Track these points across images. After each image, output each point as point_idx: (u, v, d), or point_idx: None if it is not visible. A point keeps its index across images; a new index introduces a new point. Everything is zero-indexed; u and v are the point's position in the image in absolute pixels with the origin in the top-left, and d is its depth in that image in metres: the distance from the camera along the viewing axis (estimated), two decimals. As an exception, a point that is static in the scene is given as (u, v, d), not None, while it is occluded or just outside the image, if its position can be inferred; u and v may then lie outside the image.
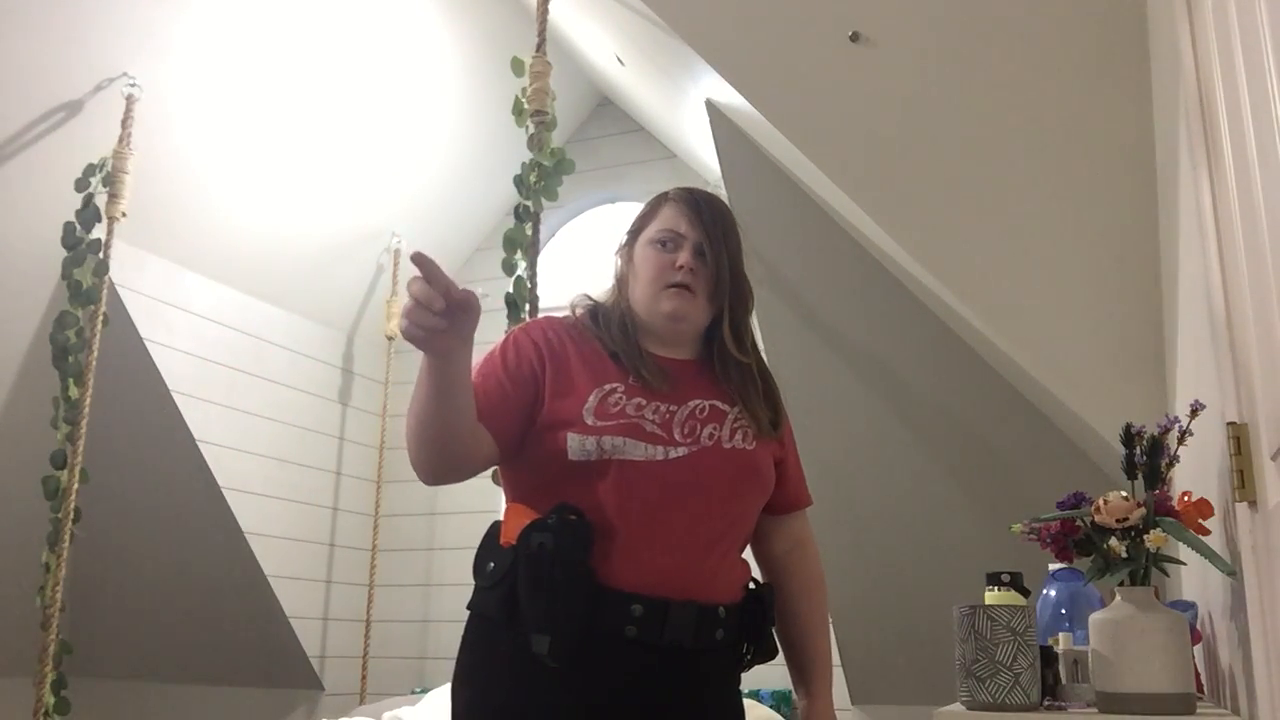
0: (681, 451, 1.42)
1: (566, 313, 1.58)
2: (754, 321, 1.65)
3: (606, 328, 1.52)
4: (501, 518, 1.43)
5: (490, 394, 1.42)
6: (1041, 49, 2.42)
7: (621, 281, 1.58)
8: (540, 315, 1.58)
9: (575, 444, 1.39)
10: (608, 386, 1.44)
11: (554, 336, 1.50)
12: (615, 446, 1.39)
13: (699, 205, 1.55)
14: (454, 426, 1.33)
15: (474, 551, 1.43)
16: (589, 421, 1.41)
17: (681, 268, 1.50)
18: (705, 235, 1.53)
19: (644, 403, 1.44)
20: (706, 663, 1.42)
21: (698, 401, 1.48)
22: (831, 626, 3.74)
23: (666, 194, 1.59)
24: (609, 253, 1.64)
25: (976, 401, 3.27)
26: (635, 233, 1.59)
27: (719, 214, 1.57)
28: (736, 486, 1.47)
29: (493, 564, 1.39)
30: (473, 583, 1.44)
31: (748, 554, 1.55)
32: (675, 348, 1.54)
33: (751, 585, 1.49)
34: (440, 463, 1.37)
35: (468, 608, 1.45)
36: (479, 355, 1.37)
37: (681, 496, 1.41)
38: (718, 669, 1.45)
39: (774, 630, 1.53)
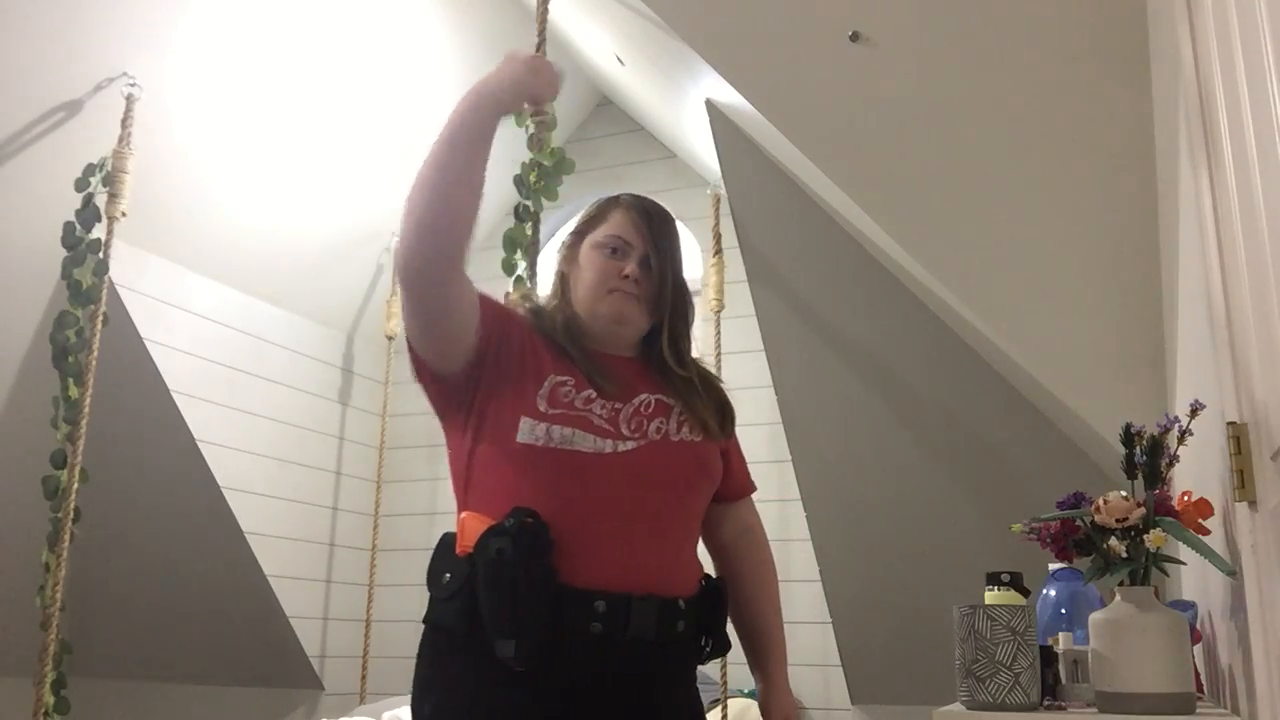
0: (630, 445, 1.43)
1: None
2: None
3: (551, 327, 1.53)
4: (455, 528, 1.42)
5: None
6: (1041, 49, 2.43)
7: (563, 280, 1.59)
8: None
9: (526, 427, 1.40)
10: (558, 378, 1.45)
11: (518, 322, 1.52)
12: (564, 437, 1.40)
13: (649, 216, 1.56)
14: (474, 179, 1.41)
15: None
16: (541, 408, 1.41)
17: (627, 276, 1.51)
18: (653, 247, 1.54)
19: (593, 396, 1.44)
20: (669, 656, 1.43)
21: (643, 397, 1.49)
22: (831, 626, 3.78)
23: (617, 198, 1.60)
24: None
25: (976, 401, 3.28)
26: (580, 234, 1.59)
27: (666, 227, 1.58)
28: (688, 479, 1.48)
29: (449, 574, 1.38)
30: None
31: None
32: (616, 348, 1.55)
33: (705, 579, 1.50)
34: (443, 223, 1.40)
35: (423, 621, 1.43)
36: None
37: (635, 490, 1.41)
38: (679, 662, 1.46)
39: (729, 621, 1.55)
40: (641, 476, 1.42)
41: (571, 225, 1.64)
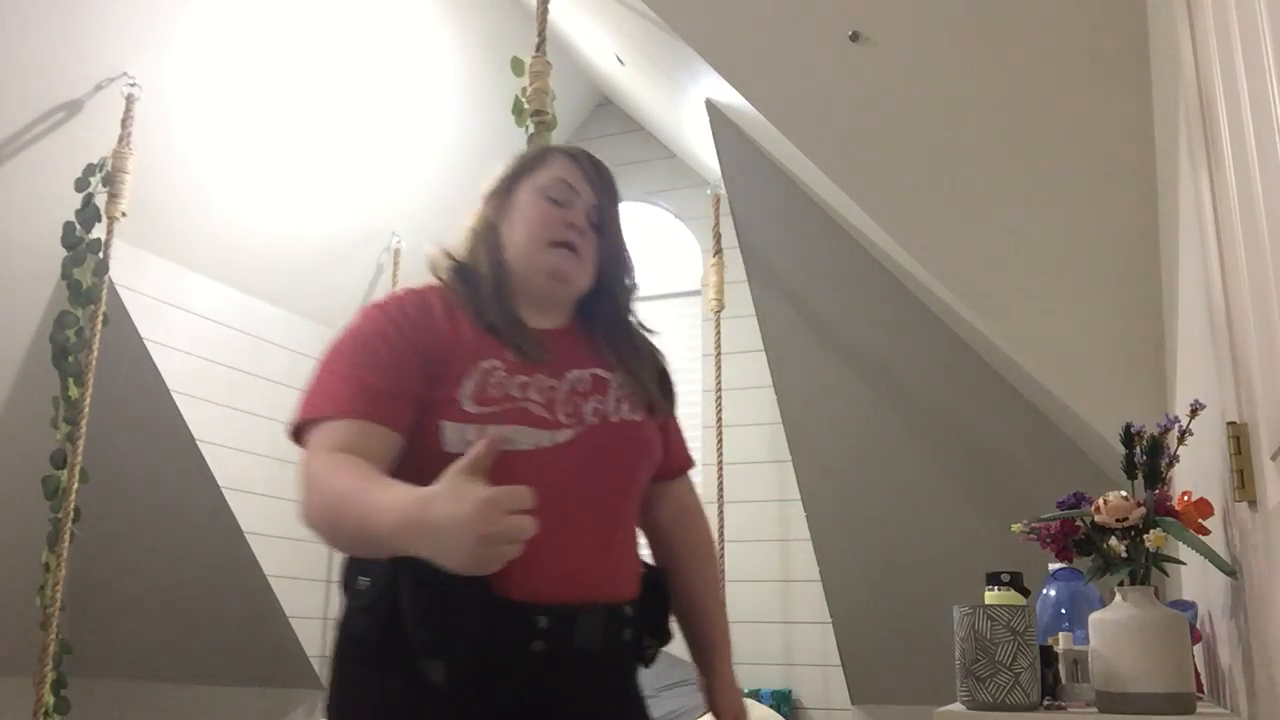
0: (567, 435, 1.26)
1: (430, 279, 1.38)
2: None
3: (478, 290, 1.32)
4: None
5: (385, 410, 1.22)
6: (1042, 49, 2.43)
7: (489, 230, 1.37)
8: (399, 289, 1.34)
9: (451, 433, 1.21)
10: (485, 365, 1.25)
11: (415, 314, 1.28)
12: (503, 438, 1.16)
13: (597, 168, 1.42)
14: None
15: None
16: (467, 408, 1.22)
17: (573, 226, 1.35)
18: (599, 198, 1.39)
19: (527, 380, 1.26)
20: (614, 665, 1.29)
21: (577, 373, 1.31)
22: (831, 626, 3.78)
23: (555, 147, 1.44)
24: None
25: (976, 401, 3.27)
26: (514, 178, 1.40)
27: (613, 184, 1.43)
28: (627, 465, 1.32)
29: (367, 579, 1.19)
30: None
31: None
32: (548, 314, 1.37)
33: (644, 572, 1.34)
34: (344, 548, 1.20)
35: (337, 628, 1.26)
36: None
37: (574, 486, 1.25)
38: (624, 668, 1.32)
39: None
40: (581, 469, 1.26)
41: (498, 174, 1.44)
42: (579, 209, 1.37)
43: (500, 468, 1.09)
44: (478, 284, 1.33)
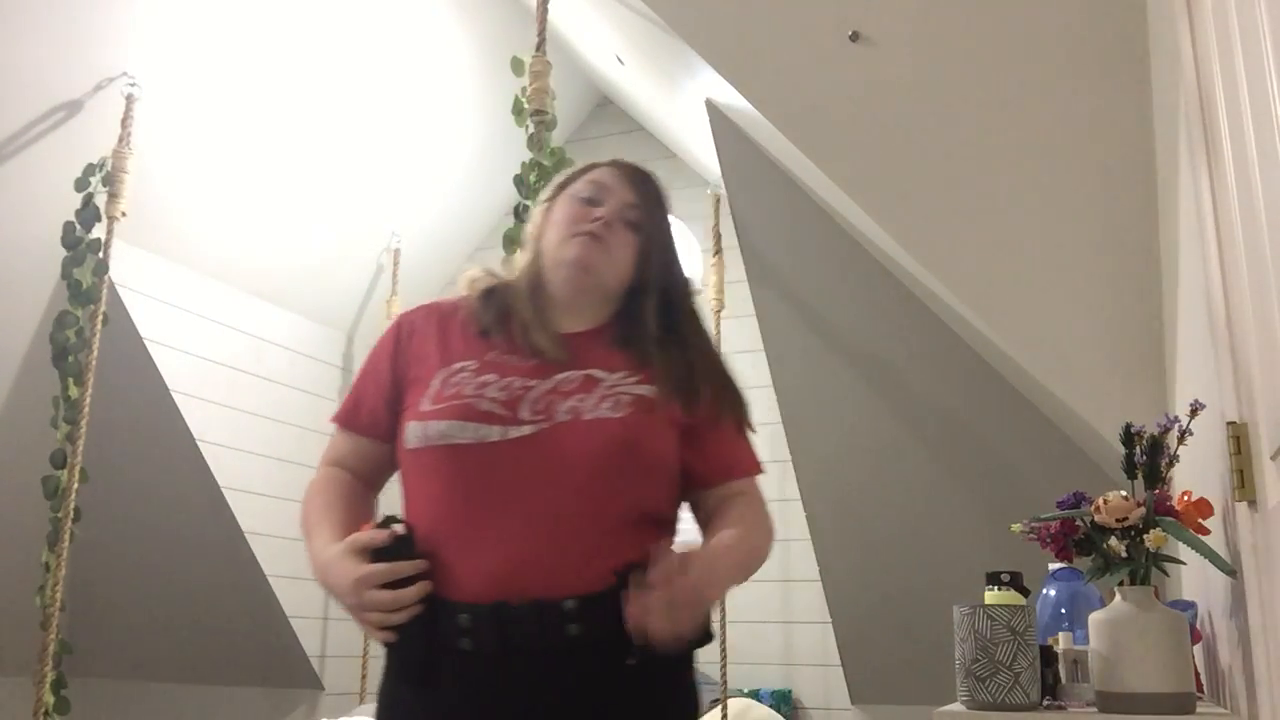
0: (526, 430, 1.26)
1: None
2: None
3: (500, 301, 1.39)
4: None
5: (377, 423, 1.40)
6: (1041, 49, 2.43)
7: (532, 243, 1.44)
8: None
9: (411, 432, 1.30)
10: (456, 366, 1.32)
11: (420, 325, 1.40)
12: (441, 433, 1.27)
13: (636, 174, 1.44)
14: None
15: None
16: (423, 407, 1.30)
17: (599, 218, 1.37)
18: (639, 199, 1.40)
19: (494, 379, 1.30)
20: (570, 663, 1.22)
21: (570, 374, 1.31)
22: (831, 626, 3.78)
23: (602, 162, 1.48)
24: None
25: (976, 401, 3.28)
26: (558, 190, 1.45)
27: (655, 187, 1.45)
28: (599, 461, 1.26)
29: None
30: None
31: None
32: (581, 315, 1.39)
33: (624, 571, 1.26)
34: None
35: None
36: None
37: (520, 481, 1.25)
38: (587, 669, 1.23)
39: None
40: (532, 464, 1.25)
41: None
42: (611, 205, 1.39)
43: (449, 462, 1.26)
44: (502, 296, 1.39)
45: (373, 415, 1.39)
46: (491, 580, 1.22)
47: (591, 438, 1.27)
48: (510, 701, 1.22)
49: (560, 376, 1.31)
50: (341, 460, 1.42)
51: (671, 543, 1.29)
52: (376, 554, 1.24)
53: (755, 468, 1.41)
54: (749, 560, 1.34)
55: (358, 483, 1.42)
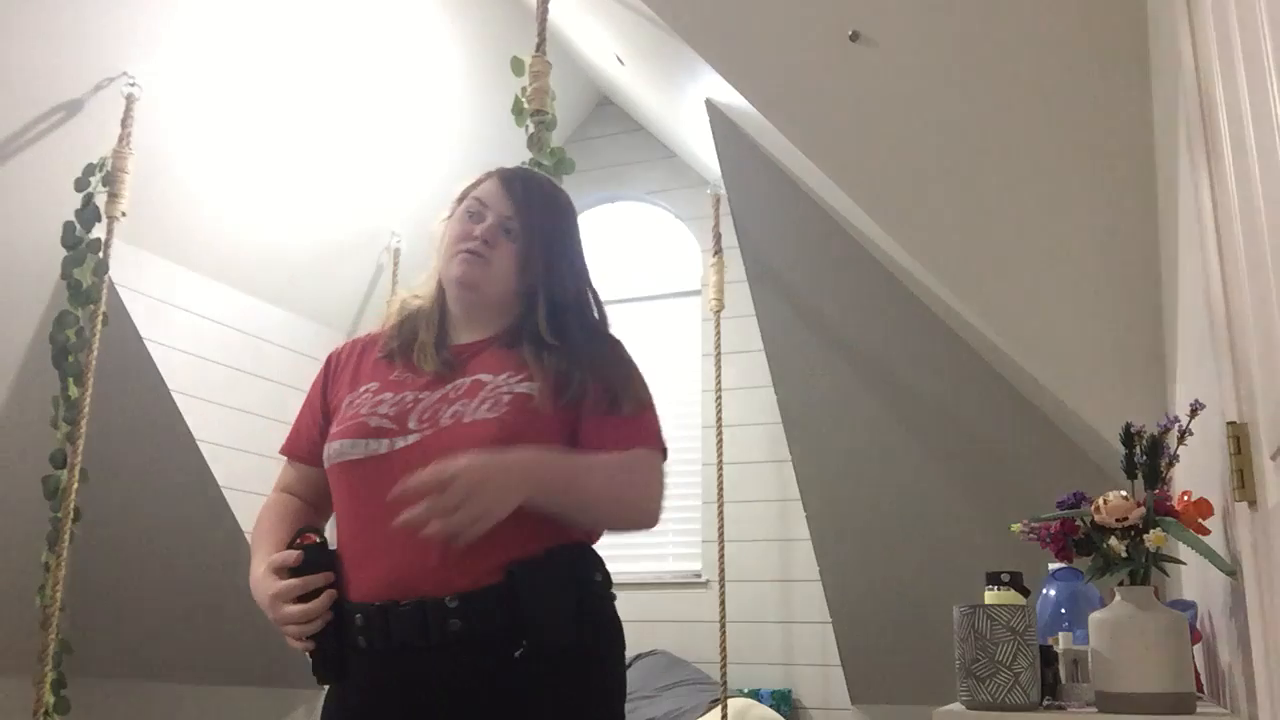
0: (412, 439, 1.34)
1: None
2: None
3: (411, 323, 1.48)
4: None
5: (313, 450, 1.49)
6: (1041, 49, 2.43)
7: (438, 258, 1.52)
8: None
9: (324, 453, 1.43)
10: (361, 389, 1.43)
11: (344, 357, 1.53)
12: (338, 451, 1.39)
13: (519, 180, 1.49)
14: None
15: None
16: (332, 430, 1.43)
17: (477, 237, 1.43)
18: (516, 209, 1.45)
19: (390, 396, 1.40)
20: (454, 657, 1.28)
21: (459, 381, 1.39)
22: (831, 626, 3.78)
23: (489, 173, 1.53)
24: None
25: (976, 401, 3.28)
26: (458, 202, 1.52)
27: (536, 192, 1.49)
28: None
29: None
30: None
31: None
32: (477, 326, 1.46)
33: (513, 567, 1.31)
34: None
35: None
36: None
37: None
38: (474, 662, 1.28)
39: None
40: (414, 470, 1.26)
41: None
42: (490, 220, 1.45)
43: (347, 477, 1.38)
44: (411, 318, 1.49)
45: (310, 444, 1.50)
46: (383, 583, 1.32)
47: (470, 440, 1.31)
48: (402, 695, 1.31)
49: (450, 386, 1.39)
50: (288, 486, 1.54)
51: (565, 536, 1.34)
52: (294, 571, 1.36)
53: (650, 442, 1.41)
54: (599, 478, 1.35)
55: (305, 506, 1.52)
